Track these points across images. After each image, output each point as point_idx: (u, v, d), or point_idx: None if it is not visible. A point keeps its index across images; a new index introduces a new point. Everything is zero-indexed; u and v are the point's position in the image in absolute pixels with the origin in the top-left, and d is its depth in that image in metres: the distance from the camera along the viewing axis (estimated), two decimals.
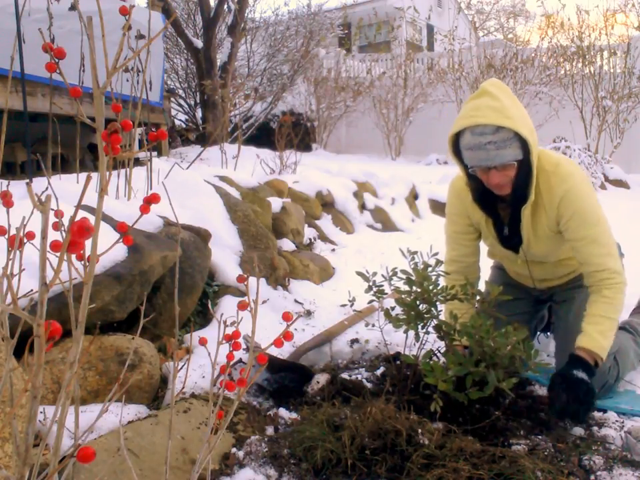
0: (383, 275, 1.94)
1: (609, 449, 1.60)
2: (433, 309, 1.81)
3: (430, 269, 1.86)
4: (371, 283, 1.97)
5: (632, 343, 2.08)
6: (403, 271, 1.87)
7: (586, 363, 1.74)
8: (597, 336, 1.77)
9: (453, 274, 2.00)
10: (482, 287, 2.04)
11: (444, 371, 1.65)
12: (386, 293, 1.99)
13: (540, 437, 1.66)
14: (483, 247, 2.13)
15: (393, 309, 1.92)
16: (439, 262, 1.90)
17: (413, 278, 1.83)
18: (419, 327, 1.82)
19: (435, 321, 1.82)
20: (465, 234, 2.05)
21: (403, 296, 1.84)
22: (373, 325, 2.03)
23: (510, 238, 1.97)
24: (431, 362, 1.70)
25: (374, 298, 1.97)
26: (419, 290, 1.82)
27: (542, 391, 1.94)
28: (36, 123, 4.43)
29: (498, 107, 1.70)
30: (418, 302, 1.82)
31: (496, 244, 2.04)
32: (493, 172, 1.76)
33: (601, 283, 1.82)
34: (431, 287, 1.81)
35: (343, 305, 2.64)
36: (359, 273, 1.97)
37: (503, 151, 1.70)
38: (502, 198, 1.89)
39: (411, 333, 1.84)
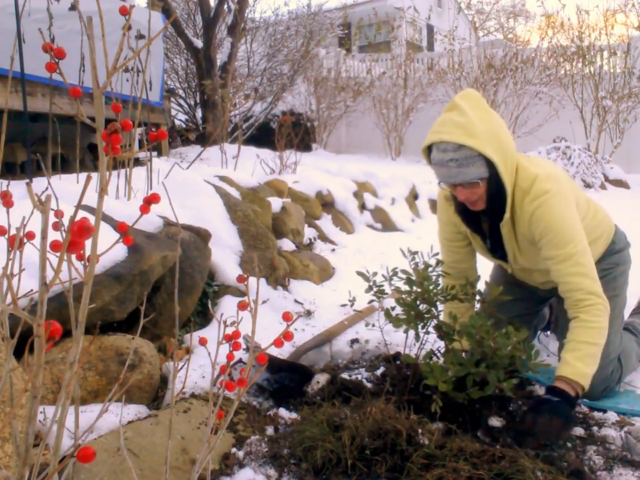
0: (383, 275, 1.94)
1: (609, 448, 1.60)
2: (433, 308, 1.81)
3: (430, 268, 1.86)
4: (371, 283, 1.97)
5: (635, 345, 2.08)
6: (403, 271, 1.87)
7: (562, 393, 1.66)
8: (575, 363, 1.68)
9: (450, 278, 1.99)
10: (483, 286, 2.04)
11: (444, 372, 1.65)
12: (386, 293, 1.99)
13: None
14: None
15: (393, 309, 1.92)
16: (439, 262, 1.90)
17: (413, 278, 1.83)
18: (419, 326, 1.82)
19: (435, 321, 1.82)
20: (454, 241, 2.04)
21: (403, 296, 1.84)
22: (373, 325, 2.03)
23: (494, 250, 1.97)
24: (431, 362, 1.70)
25: (374, 298, 1.97)
26: (419, 290, 1.82)
27: (542, 390, 1.94)
28: (36, 123, 4.42)
29: (463, 123, 1.65)
30: (418, 302, 1.82)
31: (485, 254, 2.04)
32: (459, 188, 1.74)
33: (577, 304, 1.74)
34: (431, 287, 1.81)
35: (343, 305, 2.64)
36: (359, 273, 1.97)
37: (466, 169, 1.67)
38: (483, 211, 1.86)
39: (411, 332, 1.84)
